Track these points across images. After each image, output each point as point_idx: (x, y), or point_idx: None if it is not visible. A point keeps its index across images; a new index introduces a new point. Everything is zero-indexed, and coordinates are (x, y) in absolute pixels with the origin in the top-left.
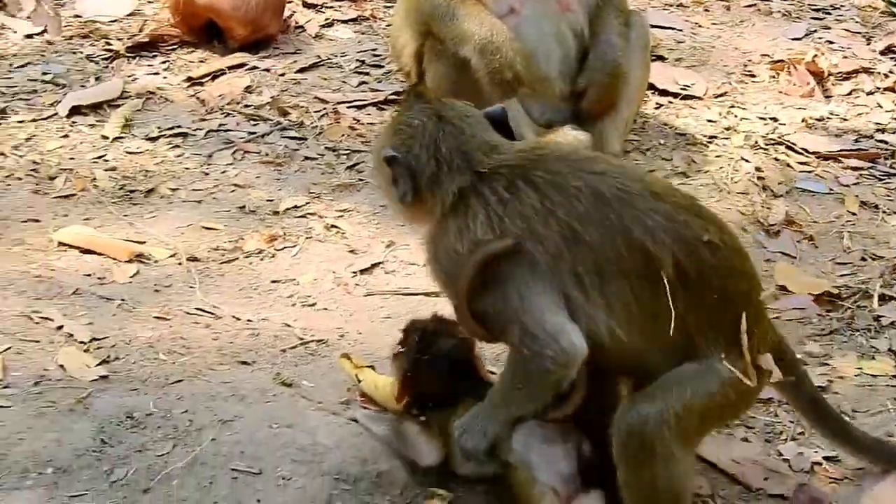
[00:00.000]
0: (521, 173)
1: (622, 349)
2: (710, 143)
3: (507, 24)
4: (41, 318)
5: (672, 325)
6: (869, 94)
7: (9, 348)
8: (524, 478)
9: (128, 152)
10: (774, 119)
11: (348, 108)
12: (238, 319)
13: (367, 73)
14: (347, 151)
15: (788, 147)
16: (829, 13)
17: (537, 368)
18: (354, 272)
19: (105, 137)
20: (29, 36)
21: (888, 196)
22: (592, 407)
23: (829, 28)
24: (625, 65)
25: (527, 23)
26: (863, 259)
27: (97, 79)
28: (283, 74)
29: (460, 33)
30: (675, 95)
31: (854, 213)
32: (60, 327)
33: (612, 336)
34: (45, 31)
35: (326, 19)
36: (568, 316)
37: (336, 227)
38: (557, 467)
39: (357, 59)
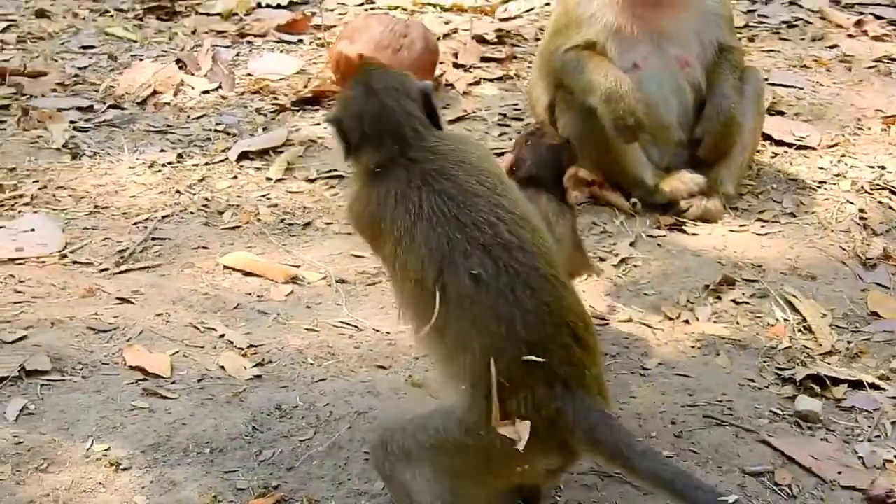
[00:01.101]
0: (424, 172)
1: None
2: (819, 187)
3: (631, 78)
4: (206, 328)
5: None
6: None
7: (177, 352)
8: None
9: (289, 191)
10: (882, 167)
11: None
12: (378, 332)
13: (507, 125)
14: None
15: (892, 192)
16: None
17: None
18: None
19: (269, 179)
20: (205, 92)
21: None
22: None
23: None
24: (738, 115)
25: (649, 77)
26: None
27: (264, 129)
28: None
29: (588, 84)
30: (791, 146)
31: None
32: (222, 336)
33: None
34: (219, 87)
35: (474, 78)
36: None
37: None
38: None
39: (500, 113)
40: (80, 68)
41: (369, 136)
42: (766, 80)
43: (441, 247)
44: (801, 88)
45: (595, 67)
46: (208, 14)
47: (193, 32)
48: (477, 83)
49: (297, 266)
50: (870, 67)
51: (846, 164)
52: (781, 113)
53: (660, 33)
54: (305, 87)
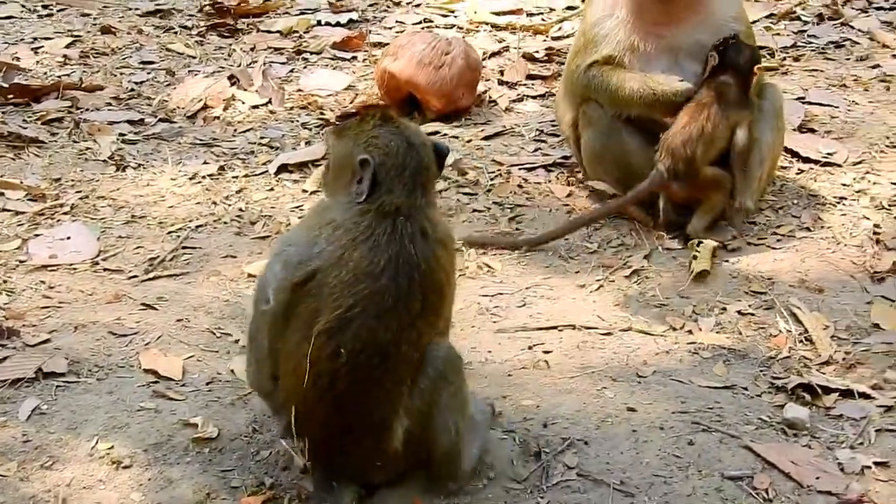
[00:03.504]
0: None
1: None
2: (838, 203)
3: None
4: (222, 333)
5: None
6: None
7: (192, 356)
8: None
9: None
10: None
11: (520, 169)
12: None
13: (543, 141)
14: (512, 206)
15: None
16: None
17: None
18: (497, 304)
19: (305, 191)
20: (255, 106)
21: None
22: None
23: None
24: (755, 131)
25: None
26: None
27: (307, 143)
28: (469, 141)
29: (622, 93)
30: (817, 162)
31: None
32: (237, 341)
33: None
34: (269, 102)
35: (518, 95)
36: None
37: (489, 265)
38: None
39: (537, 129)
40: (137, 83)
41: (399, 184)
42: (804, 98)
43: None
44: (837, 107)
45: (622, 77)
46: (269, 31)
47: (252, 49)
48: (520, 100)
49: None
50: None
51: (869, 181)
52: (813, 131)
53: (676, 49)
54: (351, 102)
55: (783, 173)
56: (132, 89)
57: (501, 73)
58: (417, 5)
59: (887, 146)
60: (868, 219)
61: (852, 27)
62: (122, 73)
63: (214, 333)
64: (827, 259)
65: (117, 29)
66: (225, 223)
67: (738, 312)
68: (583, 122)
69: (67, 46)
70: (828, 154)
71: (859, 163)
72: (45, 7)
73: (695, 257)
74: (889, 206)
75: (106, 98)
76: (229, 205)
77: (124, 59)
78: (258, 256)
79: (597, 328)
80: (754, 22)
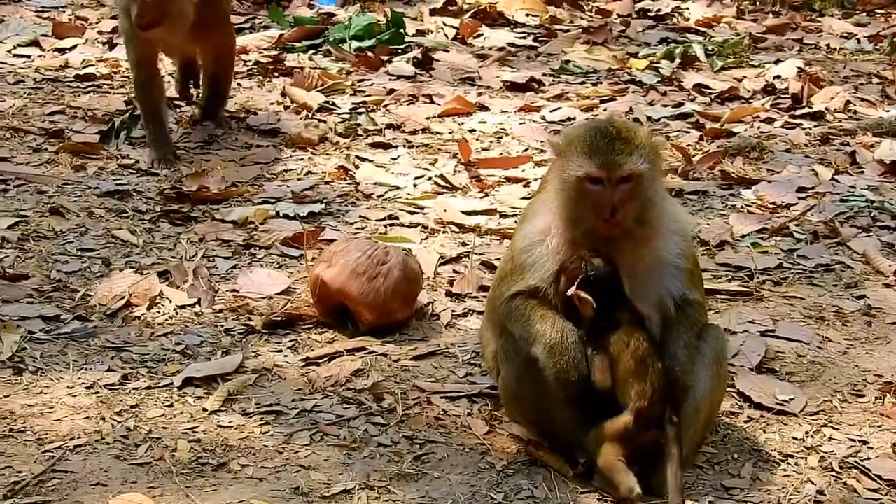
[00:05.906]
0: None
1: None
2: (783, 461)
3: None
4: None
5: None
6: None
7: None
8: None
9: (219, 425)
10: (864, 442)
11: (442, 398)
12: None
13: (477, 365)
14: (422, 441)
15: (863, 472)
16: None
17: None
18: None
19: (205, 410)
20: (182, 307)
21: None
22: None
23: None
24: (687, 380)
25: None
26: None
27: (225, 353)
28: (397, 360)
29: (533, 333)
30: (769, 410)
31: None
32: None
33: None
34: (198, 303)
35: (464, 309)
36: None
37: None
38: None
39: (474, 350)
40: (67, 273)
41: None
42: (772, 332)
43: None
44: (807, 344)
45: (542, 317)
46: (223, 221)
47: (201, 240)
48: (465, 315)
49: None
50: (893, 323)
51: (823, 436)
52: (773, 371)
53: None
54: (283, 308)
55: (731, 420)
56: (59, 280)
57: (451, 283)
58: (387, 199)
59: (852, 394)
60: (813, 483)
61: (849, 247)
62: (56, 261)
63: None
64: None
65: (67, 210)
66: (107, 444)
67: None
68: (501, 355)
69: (10, 227)
70: (783, 401)
71: (817, 413)
72: (2, 181)
73: None
74: (840, 468)
75: (28, 289)
76: (118, 422)
77: (64, 244)
78: (131, 486)
79: None
80: (742, 237)
